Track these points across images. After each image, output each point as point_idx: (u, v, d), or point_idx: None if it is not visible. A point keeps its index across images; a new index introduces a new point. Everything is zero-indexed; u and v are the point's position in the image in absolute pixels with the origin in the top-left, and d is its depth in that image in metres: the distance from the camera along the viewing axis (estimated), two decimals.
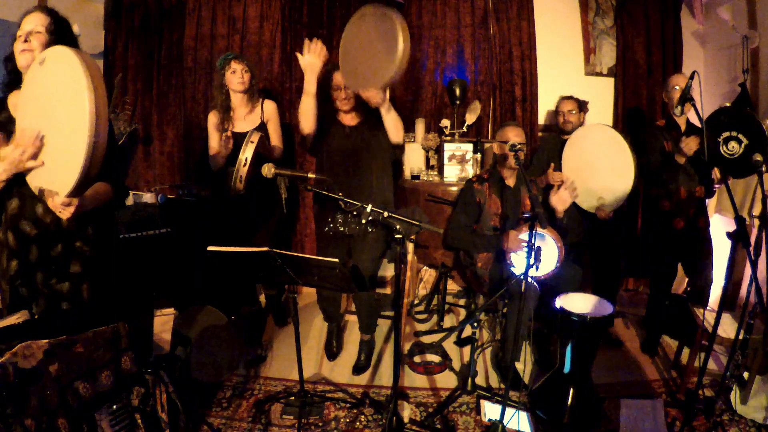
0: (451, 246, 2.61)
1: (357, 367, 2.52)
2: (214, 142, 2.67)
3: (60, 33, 1.50)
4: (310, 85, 2.15)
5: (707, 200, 2.67)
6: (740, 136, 2.31)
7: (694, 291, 2.63)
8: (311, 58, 2.12)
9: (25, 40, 1.46)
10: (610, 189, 2.62)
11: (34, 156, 1.37)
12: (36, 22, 1.47)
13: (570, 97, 2.98)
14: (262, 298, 3.14)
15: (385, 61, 1.93)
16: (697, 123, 2.26)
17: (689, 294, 2.68)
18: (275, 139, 2.74)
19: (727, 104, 2.84)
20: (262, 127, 2.66)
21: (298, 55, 2.15)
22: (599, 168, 2.64)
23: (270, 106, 2.74)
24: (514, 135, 2.37)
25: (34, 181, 1.43)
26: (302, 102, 2.22)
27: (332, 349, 2.66)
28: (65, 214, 1.40)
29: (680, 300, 2.67)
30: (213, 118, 2.68)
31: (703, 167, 2.48)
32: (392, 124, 2.26)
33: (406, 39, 1.87)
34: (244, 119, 2.68)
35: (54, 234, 1.51)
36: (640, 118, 3.54)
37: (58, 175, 1.37)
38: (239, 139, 2.60)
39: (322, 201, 2.44)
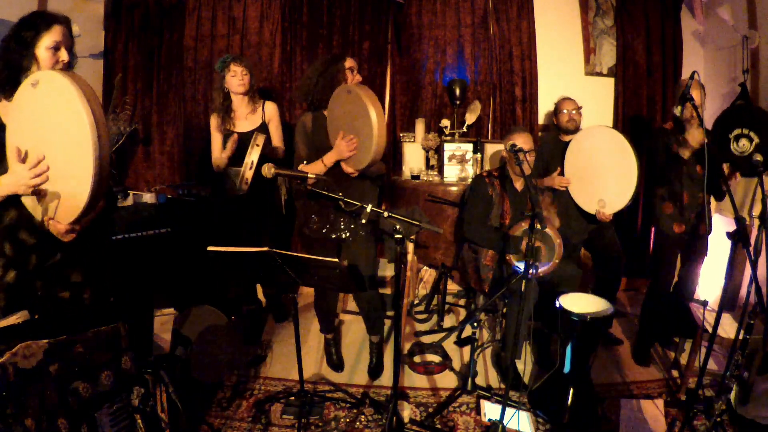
0: (468, 238, 2.61)
1: (371, 370, 2.49)
2: (217, 143, 2.67)
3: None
4: (329, 161, 2.17)
5: (717, 203, 2.65)
6: (752, 134, 2.30)
7: (680, 290, 2.64)
8: (344, 150, 2.12)
9: (57, 49, 1.43)
10: (613, 191, 2.61)
11: (36, 186, 1.33)
12: (65, 34, 1.45)
13: (569, 97, 2.98)
14: (262, 296, 3.14)
15: (362, 148, 2.02)
16: (706, 126, 2.26)
17: (673, 291, 2.69)
18: (276, 139, 2.75)
19: (741, 102, 2.84)
20: (263, 128, 2.67)
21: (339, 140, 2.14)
22: (602, 170, 2.63)
23: (271, 107, 2.74)
24: (523, 142, 2.39)
25: (36, 209, 1.42)
26: (315, 166, 2.18)
27: (334, 361, 2.57)
28: (67, 238, 1.42)
29: (677, 300, 2.66)
30: (214, 120, 2.69)
31: (711, 169, 2.46)
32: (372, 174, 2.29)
33: (380, 144, 1.98)
34: (246, 119, 2.69)
35: (53, 242, 1.49)
36: (643, 121, 3.54)
37: (61, 204, 1.36)
38: (242, 139, 2.60)
39: (313, 198, 2.31)
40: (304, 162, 2.24)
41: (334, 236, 2.26)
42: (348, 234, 2.26)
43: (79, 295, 1.56)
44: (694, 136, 2.38)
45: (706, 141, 1.92)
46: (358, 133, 2.04)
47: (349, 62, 2.28)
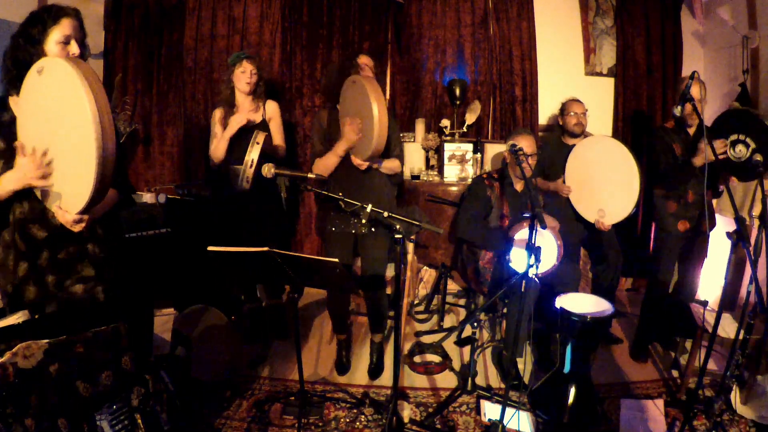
0: (461, 237, 2.60)
1: (371, 370, 2.49)
2: (216, 138, 2.68)
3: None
4: (341, 150, 2.23)
5: (714, 200, 2.66)
6: (748, 139, 2.30)
7: (682, 289, 2.64)
8: (350, 133, 2.17)
9: (66, 43, 1.42)
10: (613, 203, 2.61)
11: (44, 176, 1.34)
12: (76, 27, 1.45)
13: (578, 99, 2.94)
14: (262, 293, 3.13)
15: (365, 138, 2.05)
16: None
17: (674, 291, 2.69)
18: (278, 138, 2.75)
19: (737, 104, 2.84)
20: (263, 125, 2.67)
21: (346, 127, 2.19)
22: (604, 181, 2.63)
23: (272, 106, 2.75)
24: (526, 144, 2.38)
25: (45, 199, 1.42)
26: (328, 159, 2.26)
27: (343, 362, 2.55)
28: (76, 228, 1.41)
29: (677, 300, 2.67)
30: (218, 114, 2.69)
31: (713, 169, 2.46)
32: (386, 171, 2.35)
33: (381, 136, 2.00)
34: (247, 115, 2.69)
35: (65, 236, 1.48)
36: (645, 120, 3.53)
37: (68, 193, 1.36)
38: (240, 134, 2.60)
39: (326, 201, 2.45)
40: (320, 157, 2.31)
41: (353, 231, 2.35)
42: (364, 230, 2.35)
43: (92, 290, 1.56)
44: (702, 152, 2.37)
45: (706, 141, 1.92)
46: (363, 120, 2.07)
47: (362, 59, 2.34)
